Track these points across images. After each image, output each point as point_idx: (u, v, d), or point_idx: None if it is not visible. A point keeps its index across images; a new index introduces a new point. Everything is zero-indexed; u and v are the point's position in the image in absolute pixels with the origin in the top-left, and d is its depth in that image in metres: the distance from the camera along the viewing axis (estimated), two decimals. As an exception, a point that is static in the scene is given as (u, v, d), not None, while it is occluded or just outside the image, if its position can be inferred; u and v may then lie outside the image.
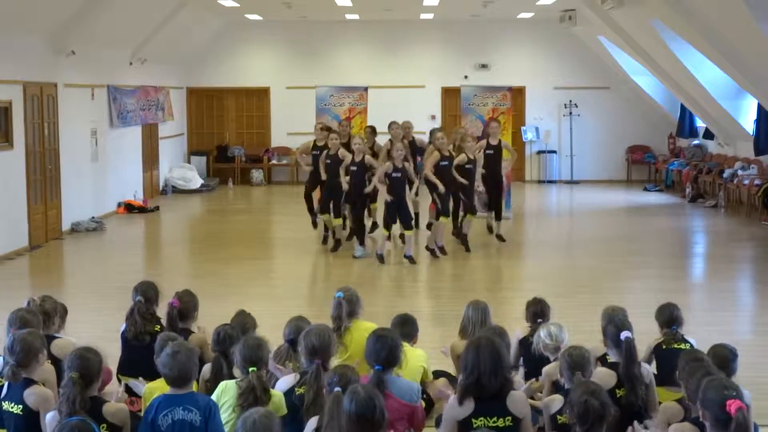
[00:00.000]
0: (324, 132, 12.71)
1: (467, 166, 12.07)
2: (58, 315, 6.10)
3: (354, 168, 11.87)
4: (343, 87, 16.67)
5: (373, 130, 14.04)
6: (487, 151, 12.67)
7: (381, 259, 11.63)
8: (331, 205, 12.28)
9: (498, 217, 13.00)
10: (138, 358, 5.98)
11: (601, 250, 12.73)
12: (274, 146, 21.65)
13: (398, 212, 11.66)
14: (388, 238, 12.17)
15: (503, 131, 15.33)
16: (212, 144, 21.81)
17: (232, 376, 5.26)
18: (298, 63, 21.33)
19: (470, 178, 12.11)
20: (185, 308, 6.16)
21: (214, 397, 4.90)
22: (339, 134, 12.80)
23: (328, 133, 12.56)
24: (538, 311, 6.28)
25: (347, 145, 12.51)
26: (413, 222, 12.21)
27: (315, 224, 13.21)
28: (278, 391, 4.94)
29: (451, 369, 6.39)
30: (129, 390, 6.15)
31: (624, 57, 18.92)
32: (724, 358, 4.94)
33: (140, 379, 5.45)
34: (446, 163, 11.90)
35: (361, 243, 12.12)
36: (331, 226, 12.58)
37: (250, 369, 4.82)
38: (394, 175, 11.46)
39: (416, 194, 13.56)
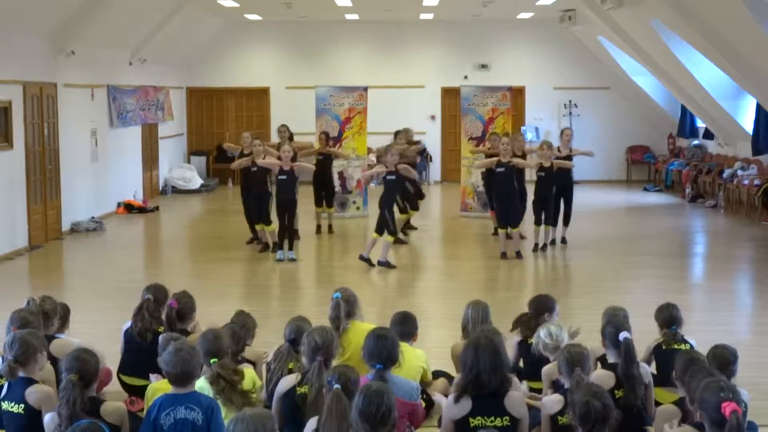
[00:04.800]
0: (248, 139, 12.85)
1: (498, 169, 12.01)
2: (57, 315, 6.10)
3: (283, 177, 11.67)
4: (343, 87, 16.68)
5: (327, 136, 14.25)
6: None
7: (388, 264, 11.54)
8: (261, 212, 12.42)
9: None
10: (139, 358, 6.00)
11: (601, 250, 12.71)
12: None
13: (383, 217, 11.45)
14: (395, 241, 12.12)
15: (503, 130, 15.35)
16: (212, 144, 21.80)
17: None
18: (298, 63, 21.33)
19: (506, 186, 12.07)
20: (183, 309, 6.19)
21: None
22: (281, 139, 13.23)
23: (252, 140, 12.71)
24: (540, 308, 6.24)
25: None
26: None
27: (252, 241, 13.03)
28: (248, 368, 5.27)
29: (450, 369, 6.39)
30: (129, 389, 6.18)
31: (624, 57, 18.92)
32: (725, 359, 4.92)
33: (156, 375, 5.46)
34: (503, 169, 11.89)
35: (287, 246, 11.92)
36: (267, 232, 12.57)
37: (211, 361, 4.98)
38: (388, 177, 11.46)
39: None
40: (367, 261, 11.34)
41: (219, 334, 5.27)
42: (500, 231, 12.19)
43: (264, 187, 12.36)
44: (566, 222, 12.86)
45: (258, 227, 12.64)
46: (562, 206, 12.69)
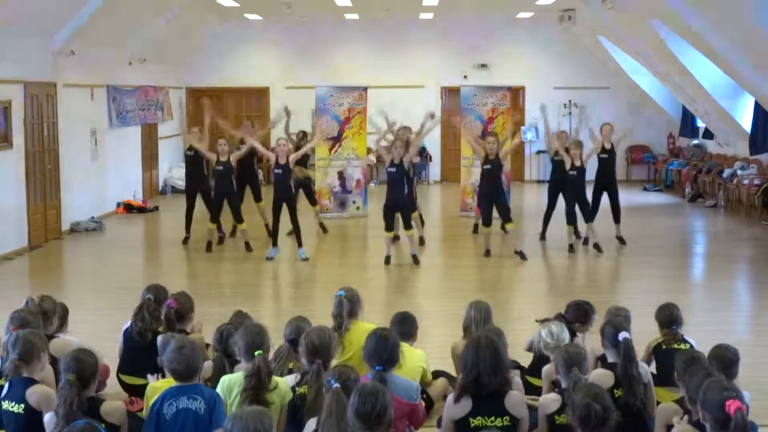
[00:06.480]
0: (197, 134, 13.45)
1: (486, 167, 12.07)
2: (56, 315, 6.10)
3: (279, 171, 11.73)
4: (343, 87, 16.67)
5: (304, 134, 14.40)
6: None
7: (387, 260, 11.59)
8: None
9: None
10: (139, 358, 6.00)
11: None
12: (274, 146, 21.57)
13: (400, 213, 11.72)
14: (393, 239, 12.14)
15: (502, 130, 15.35)
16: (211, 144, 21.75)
17: (234, 375, 5.26)
18: (298, 63, 21.32)
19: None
20: (182, 309, 6.18)
21: (219, 391, 4.90)
22: (245, 133, 13.69)
23: (200, 136, 13.27)
24: (575, 317, 6.13)
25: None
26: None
27: (186, 241, 13.31)
28: (282, 378, 4.96)
29: (451, 369, 6.39)
30: (129, 389, 6.18)
31: (624, 57, 18.91)
32: (728, 361, 4.91)
33: (157, 375, 5.45)
34: (489, 166, 11.95)
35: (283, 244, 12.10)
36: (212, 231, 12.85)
37: (256, 352, 4.82)
38: (389, 169, 11.57)
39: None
40: (414, 258, 11.56)
41: (262, 329, 5.09)
42: (484, 229, 12.19)
43: (229, 185, 12.65)
44: (616, 219, 12.87)
45: (211, 226, 12.74)
46: (603, 202, 12.75)
